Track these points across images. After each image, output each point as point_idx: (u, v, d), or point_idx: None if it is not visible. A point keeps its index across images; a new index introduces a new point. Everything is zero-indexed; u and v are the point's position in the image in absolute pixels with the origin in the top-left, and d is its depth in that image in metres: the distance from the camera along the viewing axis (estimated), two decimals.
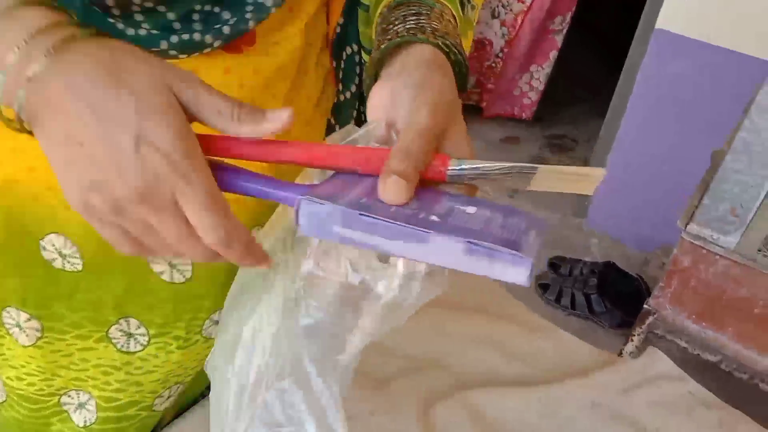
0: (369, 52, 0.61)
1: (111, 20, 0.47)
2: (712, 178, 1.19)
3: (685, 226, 1.25)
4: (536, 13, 2.64)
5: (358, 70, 0.64)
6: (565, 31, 2.71)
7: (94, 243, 0.57)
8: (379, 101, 0.45)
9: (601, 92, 2.32)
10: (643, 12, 2.06)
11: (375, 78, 0.50)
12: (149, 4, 0.48)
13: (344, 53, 0.64)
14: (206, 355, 0.63)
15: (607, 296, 2.09)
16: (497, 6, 2.70)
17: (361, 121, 0.67)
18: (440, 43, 0.47)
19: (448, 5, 0.52)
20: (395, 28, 0.49)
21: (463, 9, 0.54)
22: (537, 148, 2.83)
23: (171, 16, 0.49)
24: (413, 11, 0.50)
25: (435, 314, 1.13)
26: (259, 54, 0.56)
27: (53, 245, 0.57)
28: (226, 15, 0.51)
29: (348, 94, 0.65)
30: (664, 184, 2.21)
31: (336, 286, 0.47)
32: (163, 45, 0.49)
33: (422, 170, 0.39)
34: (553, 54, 2.74)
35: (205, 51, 0.52)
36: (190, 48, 0.50)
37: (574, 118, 3.05)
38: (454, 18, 0.52)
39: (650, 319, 1.38)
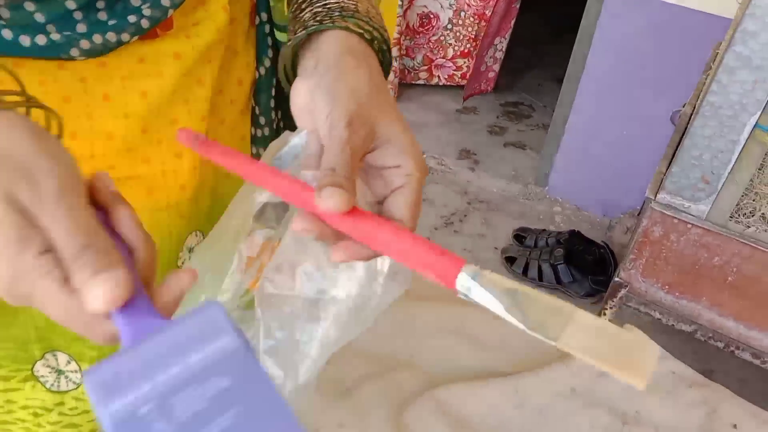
0: (281, 29, 0.54)
1: None
2: (681, 145, 1.15)
3: (655, 195, 1.21)
4: None
5: (270, 42, 0.56)
6: None
7: None
8: (302, 103, 0.41)
9: (555, 57, 2.27)
10: None
11: (294, 73, 0.45)
12: None
13: (255, 20, 0.56)
14: None
15: (574, 266, 2.06)
16: None
17: (278, 104, 0.60)
18: (350, 26, 0.42)
19: None
20: (302, 15, 0.42)
21: None
22: (494, 117, 2.77)
23: (70, 4, 0.41)
24: None
25: (402, 307, 1.06)
26: (178, 37, 0.47)
27: None
28: (135, 1, 0.43)
29: (263, 71, 0.57)
30: (624, 147, 2.18)
31: (293, 301, 0.47)
32: (74, 52, 0.41)
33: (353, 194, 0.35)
34: (512, 22, 2.67)
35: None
36: (104, 50, 0.42)
37: (530, 84, 3.00)
38: None
39: (622, 291, 1.34)
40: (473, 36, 2.73)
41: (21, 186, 0.30)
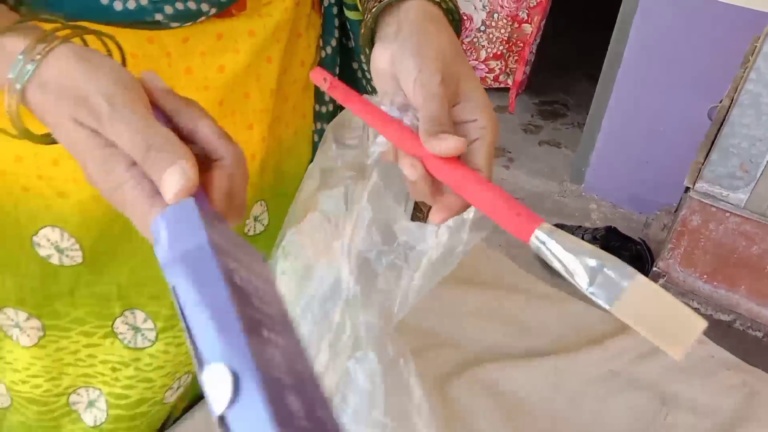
0: (351, 8, 0.59)
1: None
2: (719, 134, 1.16)
3: (693, 184, 1.22)
4: None
5: (336, 23, 0.61)
6: None
7: (94, 231, 0.54)
8: (383, 67, 0.44)
9: (590, 55, 2.28)
10: None
11: (372, 41, 0.48)
12: None
13: (322, 5, 0.60)
14: None
15: None
16: None
17: (349, 79, 0.64)
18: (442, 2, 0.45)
19: None
20: None
21: None
22: (529, 116, 2.79)
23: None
24: None
25: (447, 291, 1.10)
26: (252, 17, 0.52)
27: (48, 240, 0.54)
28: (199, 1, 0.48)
29: (329, 50, 0.62)
30: (660, 144, 2.19)
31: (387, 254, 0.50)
32: (158, 17, 0.45)
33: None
34: (542, 22, 2.70)
35: (200, 20, 0.48)
36: (185, 17, 0.46)
37: (564, 83, 3.01)
38: None
39: (660, 281, 1.35)
40: (506, 38, 2.76)
41: (81, 112, 0.34)
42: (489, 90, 2.88)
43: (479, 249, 1.28)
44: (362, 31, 0.48)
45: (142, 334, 0.61)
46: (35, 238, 0.53)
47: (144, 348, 0.61)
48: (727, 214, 1.21)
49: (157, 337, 0.61)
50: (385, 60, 0.44)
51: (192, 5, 0.47)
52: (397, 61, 0.43)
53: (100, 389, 0.63)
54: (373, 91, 0.51)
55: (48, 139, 0.38)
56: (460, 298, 1.08)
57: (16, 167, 0.50)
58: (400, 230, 0.46)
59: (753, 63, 1.08)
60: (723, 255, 1.25)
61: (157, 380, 0.63)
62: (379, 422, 0.49)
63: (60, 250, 0.54)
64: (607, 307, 0.33)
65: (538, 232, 0.35)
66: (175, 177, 0.32)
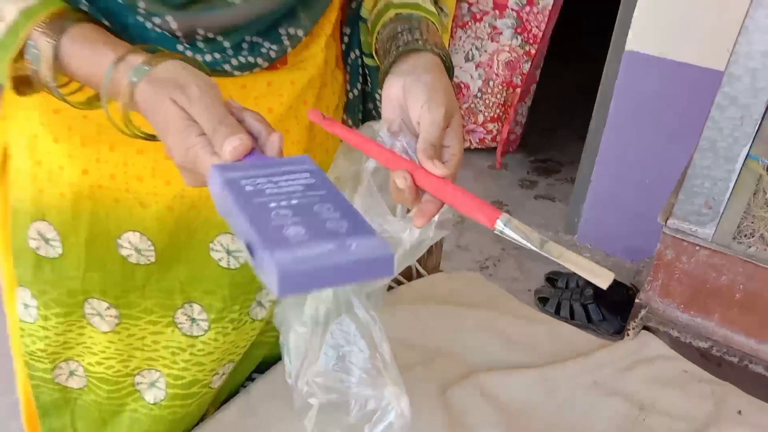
0: (369, 56, 0.75)
1: (180, 47, 0.60)
2: (685, 175, 1.32)
3: (666, 222, 1.37)
4: (524, 58, 2.83)
5: (361, 71, 0.77)
6: (541, 64, 2.89)
7: (166, 236, 0.69)
8: (395, 94, 0.58)
9: (579, 116, 2.47)
10: (612, 36, 2.22)
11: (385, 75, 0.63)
12: (210, 35, 0.60)
13: (350, 58, 0.77)
14: (252, 335, 0.75)
15: (603, 305, 2.19)
16: (470, 49, 2.86)
17: (367, 116, 0.81)
18: (440, 54, 0.61)
19: (431, 18, 0.65)
20: (403, 38, 0.62)
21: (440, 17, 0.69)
22: (525, 173, 2.97)
23: (226, 44, 0.62)
24: (408, 27, 0.63)
25: (449, 311, 1.24)
26: (293, 70, 0.68)
27: (129, 242, 0.69)
28: (267, 44, 0.64)
29: (355, 92, 0.78)
30: (647, 195, 2.34)
31: None
32: (227, 67, 0.62)
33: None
34: (533, 87, 2.90)
35: (254, 70, 0.64)
36: (245, 68, 0.63)
37: (556, 142, 3.20)
38: (437, 27, 0.65)
39: (642, 312, 1.48)
40: (502, 102, 2.95)
41: (177, 93, 0.49)
42: (486, 150, 3.06)
43: (479, 280, 1.42)
44: (381, 71, 0.64)
45: (197, 324, 0.75)
46: (119, 240, 0.68)
47: (198, 336, 0.75)
48: (697, 248, 1.35)
49: (209, 327, 0.75)
50: (397, 87, 0.58)
51: (251, 59, 0.63)
52: (409, 89, 0.57)
53: (160, 371, 0.76)
54: (379, 117, 0.67)
55: (141, 133, 0.53)
56: (460, 318, 1.22)
57: (110, 183, 0.66)
58: (386, 223, 0.59)
59: (709, 112, 1.25)
60: (696, 286, 1.38)
61: (208, 364, 0.77)
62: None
63: (138, 251, 0.69)
64: (557, 260, 0.48)
65: (498, 221, 0.50)
66: (234, 143, 0.47)
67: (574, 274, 2.35)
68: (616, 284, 2.27)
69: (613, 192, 2.41)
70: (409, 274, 1.32)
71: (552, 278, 2.34)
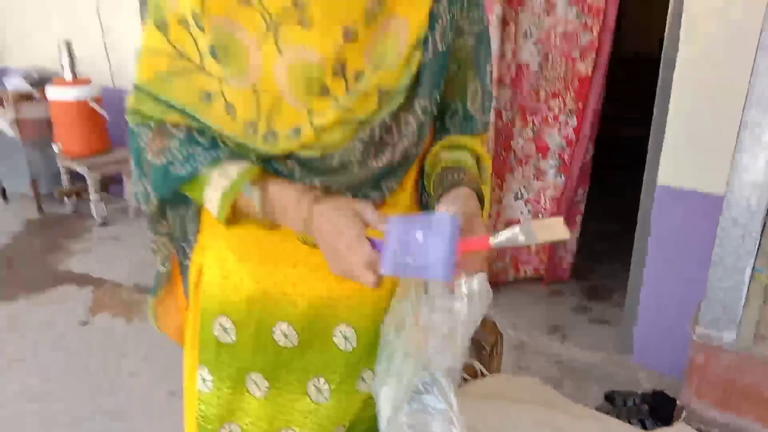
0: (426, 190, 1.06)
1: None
2: (707, 289, 1.57)
3: (694, 330, 1.60)
4: (569, 194, 3.14)
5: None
6: (585, 199, 3.20)
7: (307, 326, 0.99)
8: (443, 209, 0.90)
9: (625, 247, 2.73)
10: (644, 173, 2.52)
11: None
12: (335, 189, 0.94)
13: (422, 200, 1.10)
14: (359, 406, 1.03)
15: (658, 419, 2.34)
16: (519, 189, 3.20)
17: None
18: (473, 188, 0.93)
19: (471, 169, 0.97)
20: (450, 179, 0.94)
21: (480, 170, 1.01)
22: (578, 299, 3.20)
23: (348, 195, 0.96)
24: (456, 174, 0.95)
25: (507, 407, 1.48)
26: (391, 206, 1.00)
27: (281, 330, 1.00)
28: (373, 195, 0.98)
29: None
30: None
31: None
32: None
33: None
34: (579, 218, 3.20)
35: None
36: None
37: (606, 271, 3.45)
38: (475, 174, 0.97)
39: (683, 413, 1.67)
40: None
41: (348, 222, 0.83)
42: (539, 279, 3.31)
43: (533, 382, 1.66)
44: (434, 199, 0.94)
45: (321, 393, 1.03)
46: (273, 328, 0.99)
47: (322, 403, 1.03)
48: (723, 352, 1.56)
49: (330, 395, 1.03)
50: (443, 208, 0.88)
51: (369, 198, 0.95)
52: (444, 204, 0.88)
53: (294, 429, 1.04)
54: None
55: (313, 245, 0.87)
56: (518, 414, 1.45)
57: (273, 288, 0.96)
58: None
59: (719, 232, 1.52)
60: (726, 387, 1.58)
61: (327, 426, 1.04)
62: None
63: (286, 337, 1.00)
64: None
65: (491, 239, 0.81)
66: (371, 278, 0.80)
67: (632, 392, 2.53)
68: (671, 400, 2.42)
69: (662, 313, 2.62)
70: (473, 374, 1.57)
71: (610, 396, 2.51)
